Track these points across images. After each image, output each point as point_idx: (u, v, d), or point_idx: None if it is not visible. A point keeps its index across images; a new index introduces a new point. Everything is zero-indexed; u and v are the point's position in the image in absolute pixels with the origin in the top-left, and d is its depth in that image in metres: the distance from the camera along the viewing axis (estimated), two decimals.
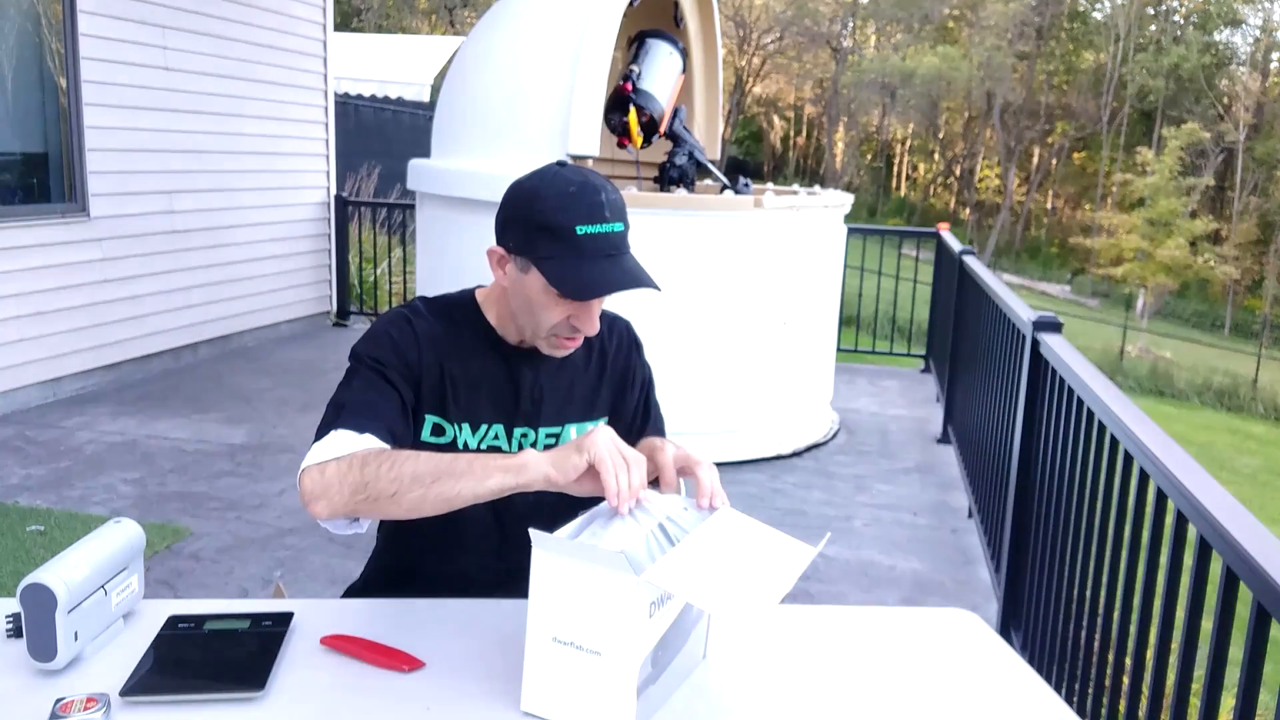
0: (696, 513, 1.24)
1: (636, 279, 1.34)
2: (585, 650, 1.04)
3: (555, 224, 1.32)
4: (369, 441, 1.29)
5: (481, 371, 1.46)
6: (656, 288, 1.35)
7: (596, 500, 1.19)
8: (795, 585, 1.13)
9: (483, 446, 1.44)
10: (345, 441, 1.28)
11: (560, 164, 1.40)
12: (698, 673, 1.20)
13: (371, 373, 1.39)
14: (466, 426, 1.44)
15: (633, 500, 1.16)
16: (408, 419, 1.39)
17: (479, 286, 1.52)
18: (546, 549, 1.06)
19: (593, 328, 1.38)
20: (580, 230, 1.31)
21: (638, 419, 1.56)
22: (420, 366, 1.41)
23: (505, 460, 1.21)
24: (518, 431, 1.46)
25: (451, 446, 1.43)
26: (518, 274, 1.38)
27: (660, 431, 1.58)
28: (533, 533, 1.05)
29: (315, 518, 1.28)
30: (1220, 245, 25.80)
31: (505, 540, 1.45)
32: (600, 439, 1.19)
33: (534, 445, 1.46)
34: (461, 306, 1.49)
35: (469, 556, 1.47)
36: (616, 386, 1.55)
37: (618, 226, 1.35)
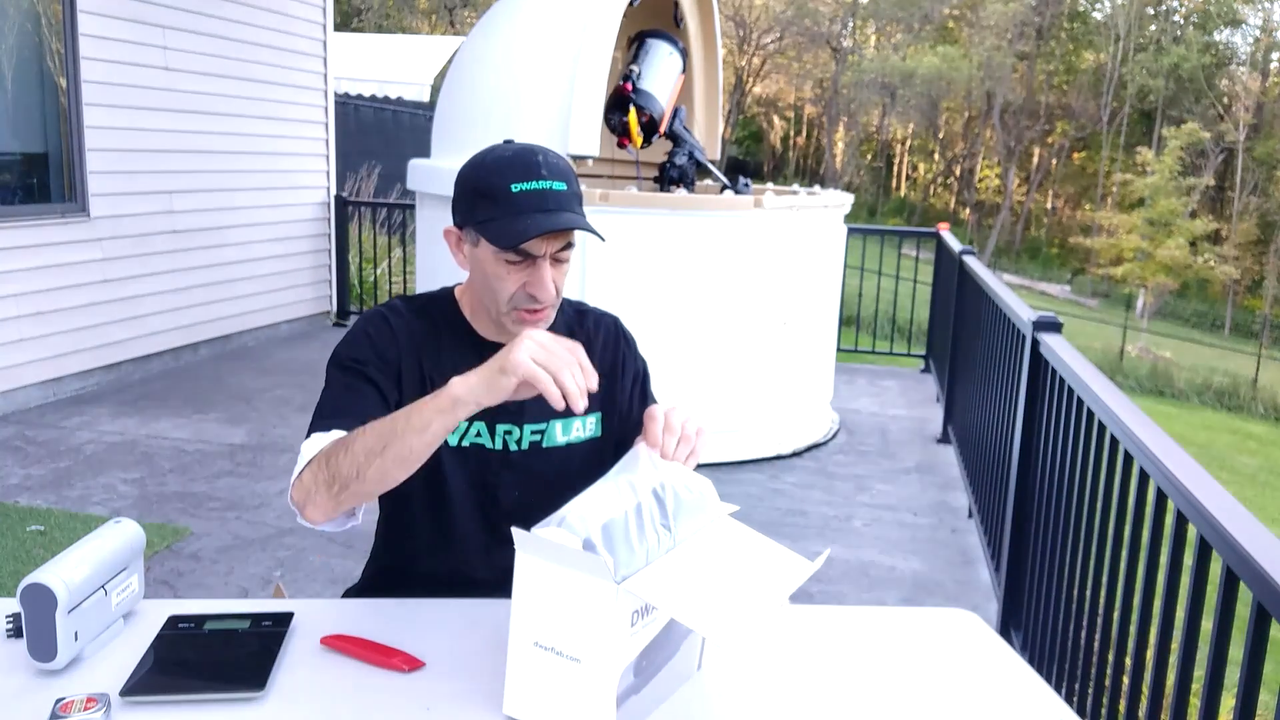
0: (691, 479, 1.20)
1: (570, 223, 1.32)
2: (565, 657, 1.02)
3: (491, 186, 1.34)
4: (336, 436, 1.31)
5: (461, 368, 1.45)
6: (597, 233, 1.35)
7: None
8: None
9: (465, 444, 1.44)
10: (316, 445, 1.32)
11: (506, 141, 1.41)
12: (693, 675, 1.20)
13: (348, 374, 1.40)
14: None
15: (584, 399, 1.15)
16: (389, 408, 1.39)
17: (458, 284, 1.52)
18: (529, 551, 1.03)
19: (545, 292, 1.36)
20: (515, 188, 1.32)
21: (634, 411, 1.55)
22: (399, 364, 1.42)
23: (436, 402, 1.21)
24: (501, 428, 1.45)
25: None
26: (472, 250, 1.40)
27: None
28: (516, 533, 1.03)
29: (310, 524, 1.29)
30: (1220, 245, 25.78)
31: (494, 537, 1.45)
32: (519, 352, 1.16)
33: (519, 442, 1.45)
34: (440, 304, 1.49)
35: (462, 555, 1.47)
36: (606, 380, 1.54)
37: (558, 185, 1.34)
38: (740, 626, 1.01)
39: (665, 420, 1.25)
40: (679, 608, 1.01)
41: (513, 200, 1.32)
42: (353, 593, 1.57)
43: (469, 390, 1.19)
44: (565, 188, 1.34)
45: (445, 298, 1.50)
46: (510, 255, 1.34)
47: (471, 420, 1.45)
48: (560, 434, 1.47)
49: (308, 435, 1.35)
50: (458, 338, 1.46)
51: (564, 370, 1.14)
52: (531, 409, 1.47)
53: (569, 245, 1.38)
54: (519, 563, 1.04)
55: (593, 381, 1.16)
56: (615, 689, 1.01)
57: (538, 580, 1.03)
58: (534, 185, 1.32)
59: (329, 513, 1.28)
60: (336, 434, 1.31)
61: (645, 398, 1.59)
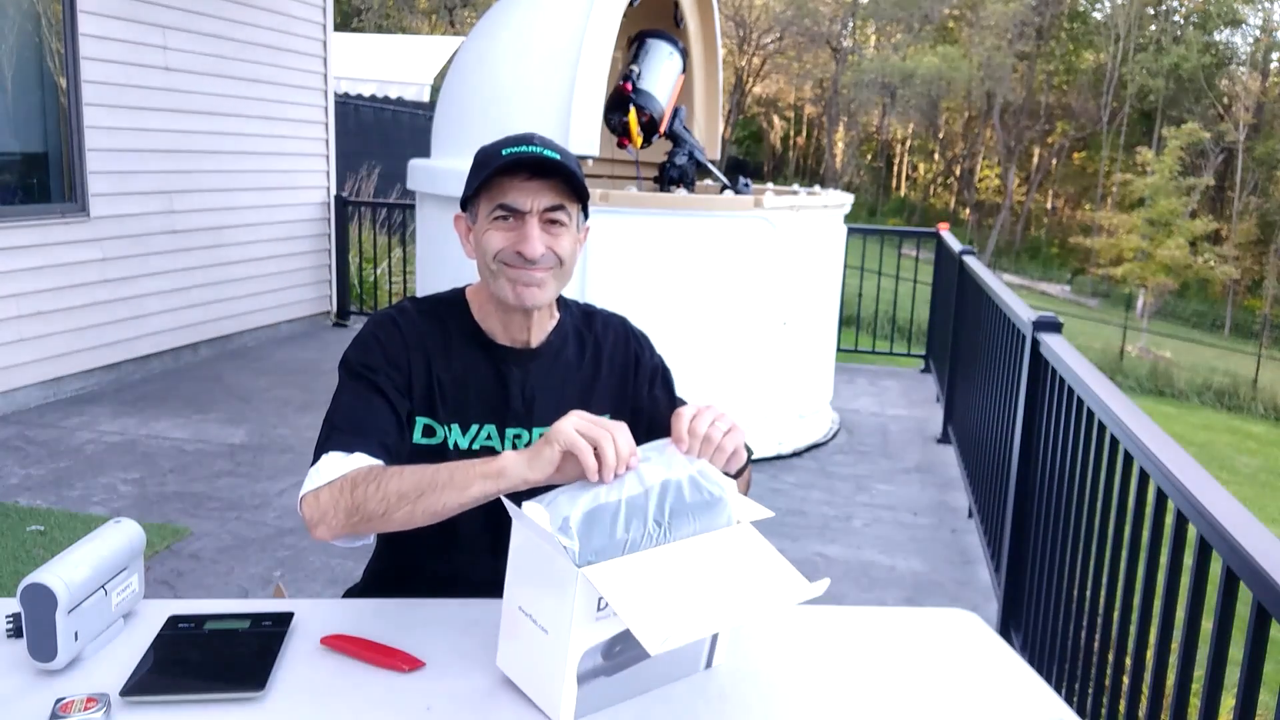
0: (713, 480, 1.18)
1: (546, 159, 1.35)
2: (538, 625, 1.08)
3: (486, 156, 1.39)
4: (359, 460, 1.31)
5: (469, 372, 1.45)
6: (576, 172, 1.38)
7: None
8: None
9: (474, 447, 1.43)
10: (336, 464, 1.30)
11: None
12: (697, 673, 1.20)
13: (360, 383, 1.39)
14: (456, 428, 1.43)
15: (623, 468, 1.14)
16: (401, 425, 1.39)
17: (469, 285, 1.51)
18: (522, 524, 1.10)
19: (530, 247, 1.37)
20: (505, 151, 1.37)
21: (659, 409, 1.50)
22: (409, 369, 1.41)
23: (484, 467, 1.22)
24: (510, 432, 1.45)
25: (442, 447, 1.42)
26: (474, 231, 1.43)
27: None
28: (508, 504, 1.10)
29: (319, 541, 1.30)
30: (1220, 245, 25.77)
31: (499, 539, 1.45)
32: (566, 425, 1.17)
33: (527, 445, 1.44)
34: (450, 306, 1.49)
35: (465, 556, 1.46)
36: (618, 381, 1.53)
37: (549, 152, 1.37)
38: (673, 636, 1.00)
39: (691, 420, 1.23)
40: (622, 602, 1.01)
41: (502, 159, 1.36)
42: (353, 593, 1.57)
43: (514, 463, 1.20)
44: (557, 157, 1.37)
45: (456, 299, 1.50)
46: (498, 211, 1.37)
47: (482, 423, 1.44)
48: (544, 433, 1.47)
49: (321, 448, 1.34)
50: (469, 340, 1.46)
51: (604, 440, 1.14)
52: (540, 413, 1.45)
53: (560, 207, 1.39)
54: (515, 530, 1.11)
55: (634, 460, 1.16)
56: (575, 665, 1.05)
57: (526, 550, 1.10)
58: (523, 149, 1.36)
59: (339, 535, 1.29)
60: (358, 457, 1.31)
61: (671, 396, 1.57)
